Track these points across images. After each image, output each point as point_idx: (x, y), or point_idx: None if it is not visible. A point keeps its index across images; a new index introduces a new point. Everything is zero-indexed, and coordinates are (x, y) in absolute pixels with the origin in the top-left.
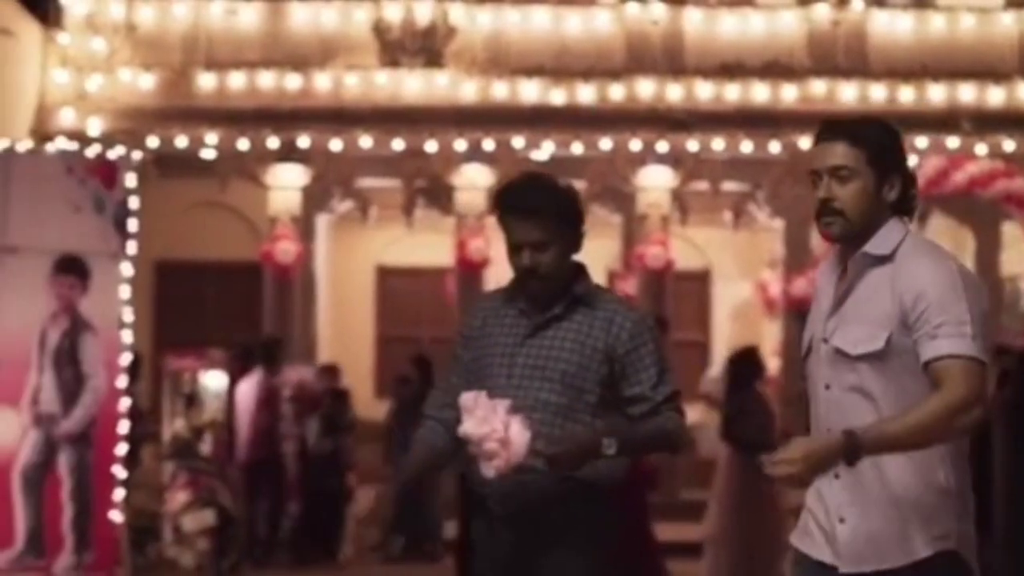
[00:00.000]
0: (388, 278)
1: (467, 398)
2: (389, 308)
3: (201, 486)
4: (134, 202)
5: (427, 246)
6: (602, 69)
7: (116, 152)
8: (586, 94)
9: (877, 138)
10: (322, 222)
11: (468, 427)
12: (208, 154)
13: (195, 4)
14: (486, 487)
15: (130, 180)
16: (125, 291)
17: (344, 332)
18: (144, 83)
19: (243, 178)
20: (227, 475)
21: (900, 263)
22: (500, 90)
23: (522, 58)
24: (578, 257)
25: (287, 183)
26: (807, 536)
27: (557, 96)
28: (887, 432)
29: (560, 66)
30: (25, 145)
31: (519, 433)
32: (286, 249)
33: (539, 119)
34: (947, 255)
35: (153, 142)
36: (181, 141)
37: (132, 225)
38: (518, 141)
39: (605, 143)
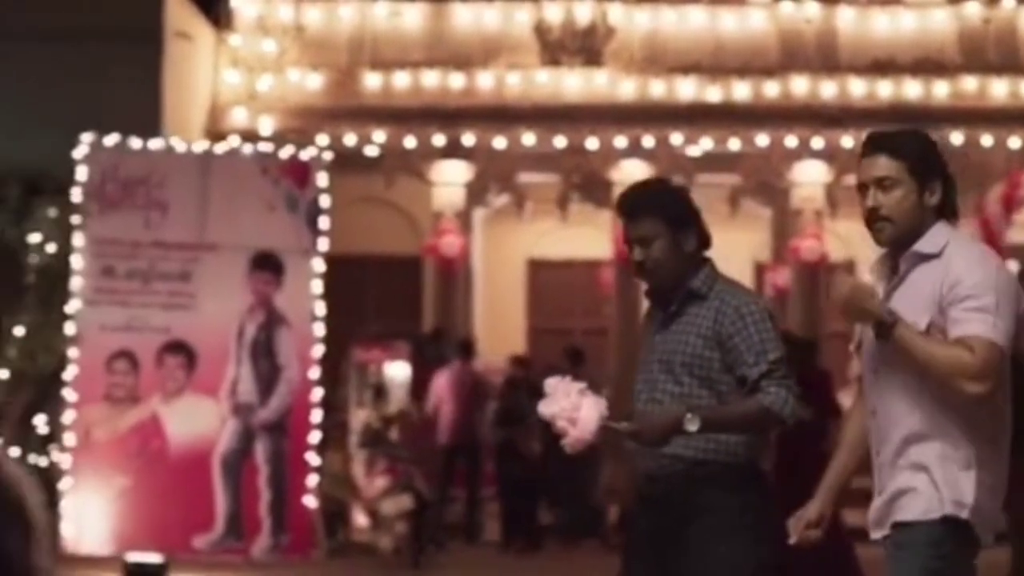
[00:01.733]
0: (540, 270)
1: (549, 382)
2: (540, 300)
3: (399, 472)
4: (325, 201)
5: (580, 239)
6: (757, 67)
7: (308, 153)
8: (741, 91)
9: (916, 149)
10: (477, 216)
11: (542, 407)
12: (372, 151)
13: (361, 6)
14: (639, 471)
15: (321, 180)
16: (317, 286)
17: (497, 323)
18: (312, 83)
19: (408, 174)
20: (421, 461)
21: (947, 259)
22: (657, 88)
23: (679, 56)
24: (725, 249)
25: (451, 179)
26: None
27: (713, 93)
28: (912, 337)
29: (716, 64)
30: (223, 147)
31: (588, 412)
32: (450, 243)
33: (696, 116)
34: (989, 254)
35: (322, 140)
36: (349, 139)
37: (323, 223)
38: (676, 137)
39: (761, 139)
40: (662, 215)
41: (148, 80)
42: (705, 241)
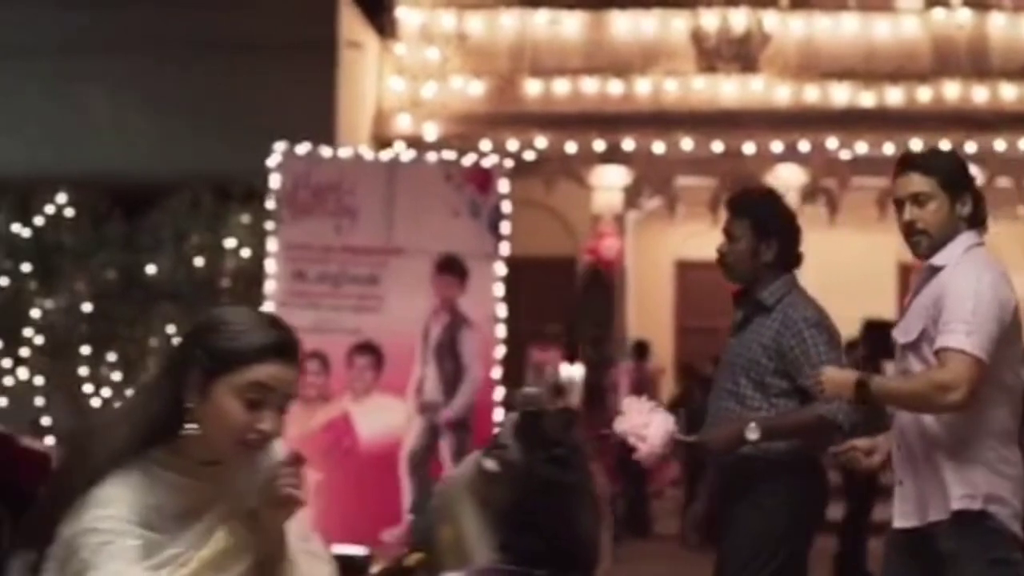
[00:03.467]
0: (687, 271)
1: (625, 401)
2: (688, 300)
3: None
4: (506, 206)
5: None
6: (909, 72)
7: (490, 160)
8: (894, 96)
9: (946, 165)
10: (629, 218)
11: (616, 425)
12: (530, 156)
13: (522, 14)
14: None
15: (502, 186)
16: (499, 289)
17: (646, 323)
18: (474, 90)
19: (567, 179)
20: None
21: (948, 271)
22: (812, 93)
23: (833, 62)
24: (871, 250)
25: (610, 183)
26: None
27: (867, 99)
28: (887, 386)
29: (869, 69)
30: (409, 155)
31: (656, 429)
32: (610, 246)
33: (850, 121)
34: (989, 268)
35: (485, 146)
36: (512, 145)
37: (504, 228)
38: (831, 142)
39: (915, 143)
40: (749, 219)
41: (322, 88)
42: (789, 256)
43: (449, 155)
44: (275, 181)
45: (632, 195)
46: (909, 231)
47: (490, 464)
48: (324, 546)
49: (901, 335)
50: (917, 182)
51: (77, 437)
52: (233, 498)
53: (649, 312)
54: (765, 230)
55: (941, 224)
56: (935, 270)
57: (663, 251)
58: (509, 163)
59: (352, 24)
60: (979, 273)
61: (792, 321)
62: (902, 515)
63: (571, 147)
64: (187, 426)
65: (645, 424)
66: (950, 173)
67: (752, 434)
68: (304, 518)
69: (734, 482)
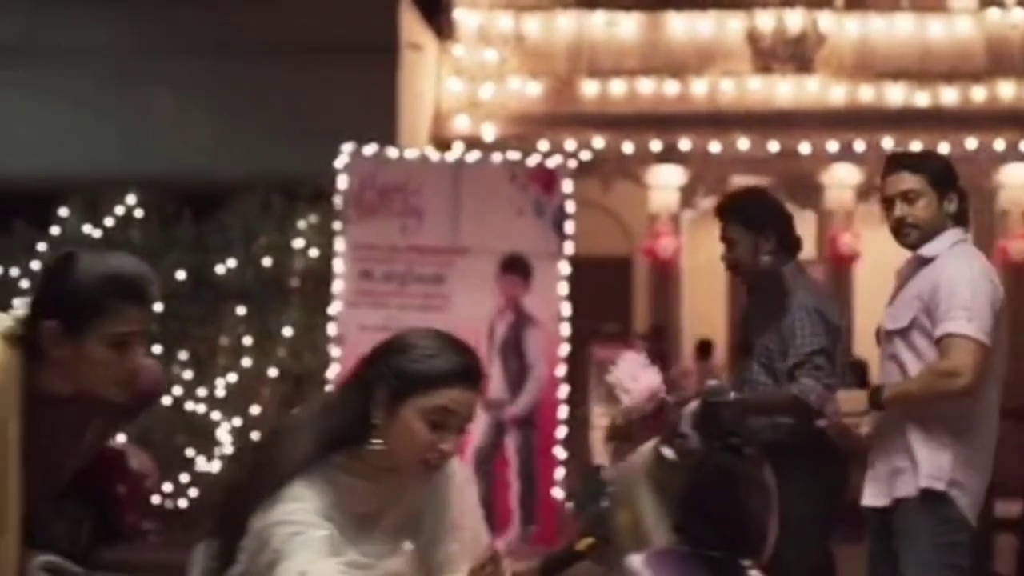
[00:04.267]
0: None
1: (622, 354)
2: (741, 298)
3: None
4: (570, 206)
5: None
6: (964, 72)
7: (554, 160)
8: (949, 96)
9: (934, 164)
10: (684, 218)
11: (607, 375)
12: (586, 156)
13: (579, 15)
14: None
15: (566, 186)
16: (563, 288)
17: (700, 321)
18: (531, 90)
19: (624, 179)
20: None
21: (940, 263)
22: (867, 93)
23: (888, 62)
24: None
25: (666, 183)
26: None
27: (921, 98)
28: (898, 388)
29: (924, 69)
30: (474, 155)
31: (642, 383)
32: (666, 245)
33: (905, 120)
34: (977, 259)
35: (543, 146)
36: (569, 145)
37: (568, 227)
38: (886, 141)
39: (970, 143)
40: (740, 220)
41: (384, 90)
42: (788, 243)
43: (514, 155)
44: (342, 182)
45: (687, 194)
46: (899, 226)
47: (668, 452)
48: None
49: (890, 322)
50: (907, 180)
51: (263, 441)
52: (408, 506)
53: (702, 310)
54: (758, 225)
55: (930, 220)
56: (924, 261)
57: (717, 250)
58: (573, 163)
59: (412, 26)
60: (970, 262)
61: (789, 304)
62: (871, 495)
63: (628, 147)
64: (373, 441)
65: (633, 377)
66: (938, 172)
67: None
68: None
69: None
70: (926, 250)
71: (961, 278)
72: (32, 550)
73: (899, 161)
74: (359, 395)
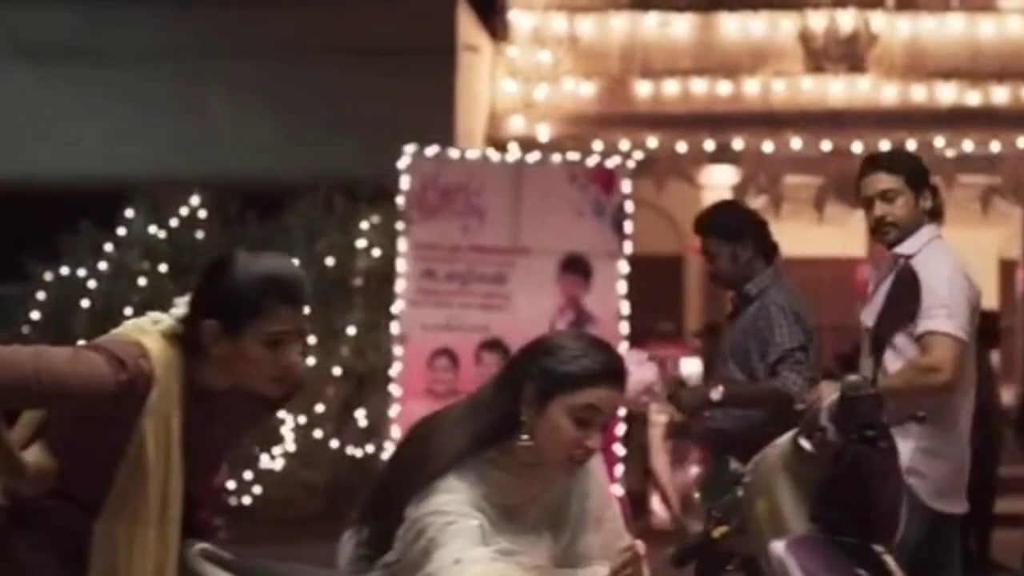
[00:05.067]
0: (791, 269)
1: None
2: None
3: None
4: (629, 206)
5: (829, 238)
6: (1015, 71)
7: (613, 161)
8: (1000, 95)
9: (910, 163)
10: None
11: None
12: (639, 156)
13: (632, 16)
14: None
15: (625, 186)
16: (622, 287)
17: None
18: (585, 91)
19: (677, 178)
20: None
21: (918, 261)
22: (919, 92)
23: (939, 62)
24: (974, 246)
25: (719, 182)
26: None
27: (973, 98)
28: (881, 384)
29: (974, 69)
30: (534, 156)
31: (635, 377)
32: None
33: (956, 120)
34: (952, 256)
35: (597, 146)
36: (623, 145)
37: (628, 227)
38: (938, 141)
39: (1021, 141)
40: (717, 233)
41: (442, 91)
42: (765, 249)
43: (573, 156)
44: (405, 182)
45: (739, 194)
46: (879, 225)
47: (807, 444)
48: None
49: (871, 319)
50: (885, 180)
51: (417, 436)
52: (551, 500)
53: None
54: (735, 235)
55: (908, 218)
56: (902, 258)
57: None
58: (632, 163)
59: (468, 27)
60: (946, 260)
61: (766, 305)
62: None
63: (681, 147)
64: (522, 438)
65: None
66: (913, 171)
67: (715, 394)
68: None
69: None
70: (903, 247)
71: (939, 276)
72: (189, 538)
73: (875, 162)
74: (508, 394)
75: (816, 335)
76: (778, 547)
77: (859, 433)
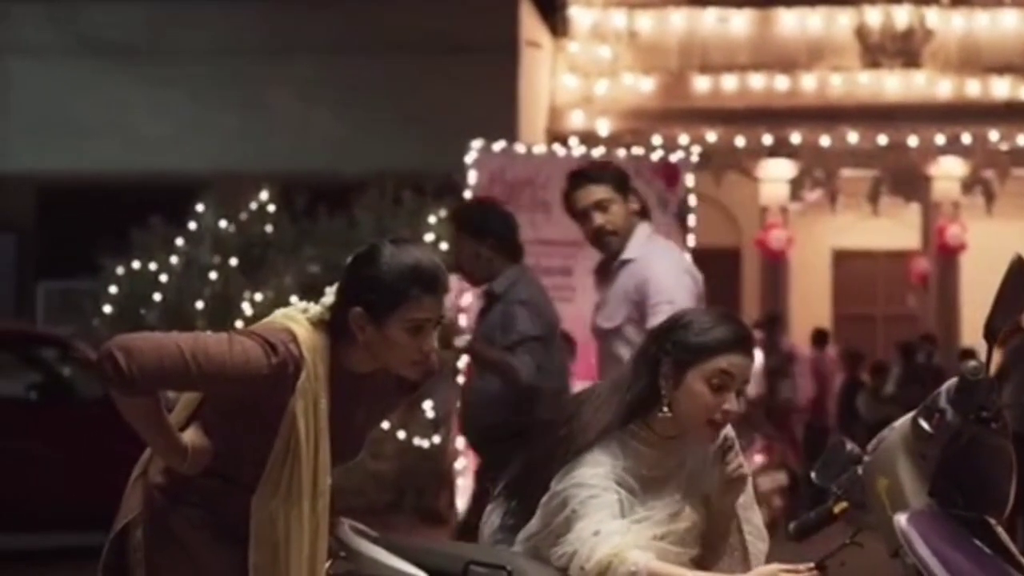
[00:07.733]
0: (844, 260)
1: None
2: (845, 288)
3: (775, 450)
4: (692, 200)
5: (883, 231)
6: None
7: (676, 155)
8: None
9: (612, 172)
10: (791, 210)
11: None
12: (697, 150)
13: (690, 12)
14: None
15: (689, 180)
16: None
17: (805, 310)
18: (645, 86)
19: (735, 172)
20: (792, 440)
21: (643, 261)
22: (973, 87)
23: (993, 57)
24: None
25: (777, 176)
26: None
27: None
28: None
29: None
30: (599, 151)
31: None
32: (778, 236)
33: (1011, 114)
34: (673, 250)
35: (656, 141)
36: (682, 139)
37: (691, 220)
38: (992, 135)
39: None
40: (464, 230)
41: (505, 86)
42: (510, 249)
43: (637, 150)
44: (472, 177)
45: (796, 187)
46: (599, 235)
47: (926, 425)
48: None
49: (605, 321)
50: (596, 191)
51: (566, 412)
52: (689, 472)
53: (808, 299)
54: (480, 234)
55: (624, 223)
56: (625, 262)
57: (822, 241)
58: (695, 158)
59: (530, 24)
60: (667, 255)
61: (509, 301)
62: None
63: (739, 141)
64: (663, 410)
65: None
66: (617, 179)
67: (459, 342)
68: (750, 490)
69: None
70: (627, 254)
71: (664, 273)
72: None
73: (581, 176)
74: (647, 370)
75: (557, 333)
76: (900, 520)
77: (975, 415)
